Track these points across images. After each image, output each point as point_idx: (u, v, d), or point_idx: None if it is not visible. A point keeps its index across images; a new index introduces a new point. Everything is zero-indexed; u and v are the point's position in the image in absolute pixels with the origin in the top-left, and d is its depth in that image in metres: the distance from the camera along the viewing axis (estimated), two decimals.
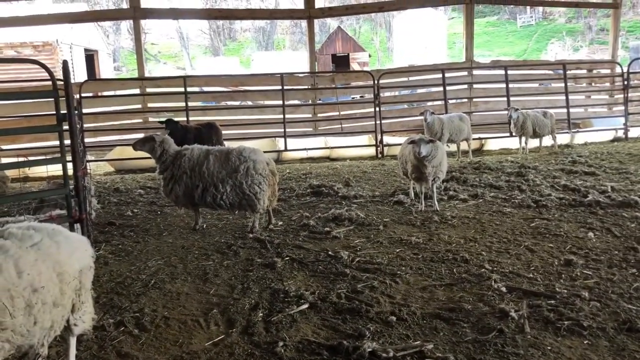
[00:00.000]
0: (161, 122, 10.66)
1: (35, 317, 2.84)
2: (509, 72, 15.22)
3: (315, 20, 17.82)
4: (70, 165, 6.06)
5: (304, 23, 19.44)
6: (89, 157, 12.15)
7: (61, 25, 25.14)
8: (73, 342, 3.45)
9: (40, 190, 8.36)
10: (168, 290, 4.89)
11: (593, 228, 6.37)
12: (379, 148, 13.83)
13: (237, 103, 17.85)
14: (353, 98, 19.69)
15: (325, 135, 15.19)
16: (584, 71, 19.30)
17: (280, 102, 14.13)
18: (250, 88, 17.27)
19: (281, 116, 14.03)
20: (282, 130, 13.81)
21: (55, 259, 3.03)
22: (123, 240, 6.61)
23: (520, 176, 9.56)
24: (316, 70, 18.31)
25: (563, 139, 14.31)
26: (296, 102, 17.66)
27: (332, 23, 60.03)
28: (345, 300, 4.51)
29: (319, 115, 16.77)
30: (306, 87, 16.93)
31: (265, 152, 7.36)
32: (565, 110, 15.02)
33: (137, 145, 7.02)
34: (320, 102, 17.57)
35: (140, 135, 14.68)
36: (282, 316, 4.21)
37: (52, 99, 5.96)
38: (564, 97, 15.26)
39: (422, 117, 11.67)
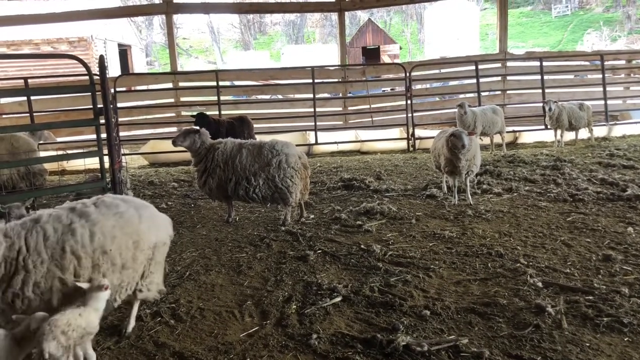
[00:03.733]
0: (192, 117, 10.77)
1: (104, 275, 3.36)
2: (544, 63, 14.89)
3: (346, 13, 17.77)
4: (106, 159, 6.20)
5: (334, 16, 19.39)
6: (123, 151, 12.37)
7: (95, 21, 25.58)
8: (135, 305, 3.99)
9: (77, 183, 8.55)
10: (203, 281, 4.96)
11: (632, 223, 6.21)
12: (410, 141, 13.72)
13: (267, 97, 17.94)
14: (384, 91, 19.59)
15: (356, 129, 15.14)
16: (623, 62, 18.77)
17: (311, 96, 14.12)
18: (281, 82, 17.32)
19: (312, 109, 14.02)
20: (313, 123, 13.81)
21: (134, 228, 3.53)
22: None
23: (556, 169, 9.37)
24: (346, 63, 18.27)
25: (600, 131, 13.96)
26: (327, 95, 17.66)
27: (363, 15, 59.72)
28: (379, 293, 4.50)
29: (349, 108, 16.76)
30: (337, 80, 16.90)
31: (297, 145, 7.37)
32: (602, 102, 14.64)
33: (178, 139, 6.84)
34: (350, 95, 17.52)
35: (174, 129, 14.94)
36: (315, 309, 4.23)
37: (89, 94, 6.10)
38: (601, 89, 14.87)
39: (455, 110, 11.52)
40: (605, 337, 3.67)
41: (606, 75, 15.22)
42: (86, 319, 3.14)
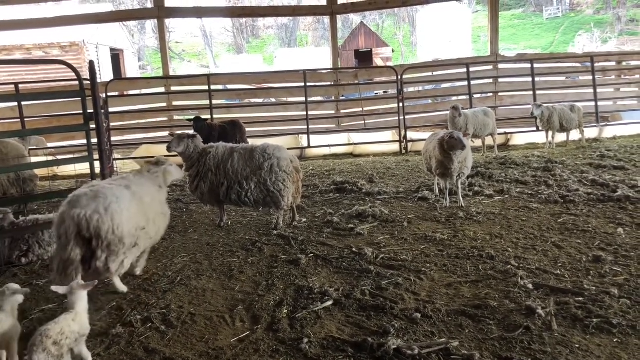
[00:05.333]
0: (189, 120, 10.74)
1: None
2: (535, 65, 14.97)
3: (338, 16, 17.81)
4: (97, 164, 6.18)
5: (326, 19, 19.41)
6: (115, 156, 12.33)
7: (87, 25, 25.54)
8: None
9: (68, 189, 8.52)
10: (194, 286, 4.94)
11: (623, 224, 6.24)
12: (402, 144, 13.75)
13: (260, 100, 17.94)
14: (376, 94, 19.63)
15: (349, 132, 15.17)
16: (613, 63, 18.90)
17: (304, 99, 14.14)
18: (274, 85, 17.33)
19: (304, 113, 14.04)
20: (305, 127, 13.82)
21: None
22: None
23: (547, 171, 9.41)
24: (339, 67, 18.31)
25: (591, 132, 14.04)
26: (319, 98, 17.68)
27: (355, 18, 59.82)
28: (370, 297, 4.50)
29: (342, 111, 16.78)
30: (329, 83, 16.92)
31: (288, 149, 7.37)
32: (593, 103, 14.73)
33: (172, 145, 6.80)
34: (343, 98, 17.55)
35: (166, 133, 14.91)
36: (306, 313, 4.23)
37: (80, 99, 6.08)
38: (592, 90, 14.97)
39: (448, 112, 11.57)
40: (595, 338, 3.69)
41: (597, 76, 15.32)
42: (79, 322, 3.31)
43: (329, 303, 4.39)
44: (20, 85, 12.10)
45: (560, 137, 13.15)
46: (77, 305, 3.39)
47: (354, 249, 5.74)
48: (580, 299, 4.25)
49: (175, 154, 6.94)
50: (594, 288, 4.44)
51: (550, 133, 12.66)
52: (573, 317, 3.96)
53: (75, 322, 3.26)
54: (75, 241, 4.13)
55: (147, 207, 4.68)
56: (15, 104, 12.62)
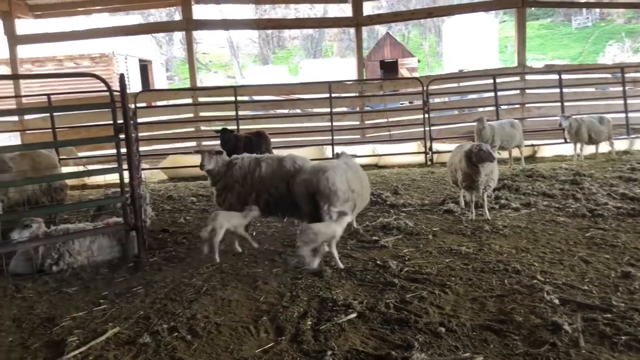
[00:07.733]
0: (216, 132, 10.85)
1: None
2: (564, 76, 14.81)
3: (363, 27, 17.87)
4: (126, 174, 6.30)
5: (352, 30, 19.48)
6: (143, 166, 12.53)
7: (117, 37, 26.06)
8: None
9: (98, 198, 8.69)
10: (219, 296, 5.00)
11: None
12: (428, 155, 13.70)
13: (285, 111, 18.09)
14: (402, 104, 19.61)
15: (373, 143, 15.16)
16: None
17: (328, 110, 14.19)
18: (299, 96, 17.46)
19: (329, 124, 14.11)
20: (330, 137, 13.87)
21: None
22: (176, 247, 6.79)
23: (575, 184, 9.28)
24: (364, 78, 18.36)
25: (621, 144, 13.79)
26: (344, 109, 17.72)
27: (381, 29, 59.88)
28: (394, 310, 4.49)
29: (366, 122, 16.79)
30: (354, 94, 16.97)
31: (312, 159, 7.41)
32: (624, 115, 14.50)
33: (205, 162, 6.73)
34: (368, 109, 17.58)
35: (193, 144, 15.11)
36: (330, 325, 4.24)
37: (109, 110, 6.23)
38: (622, 102, 14.72)
39: (474, 123, 11.51)
40: (623, 356, 3.62)
41: (627, 87, 15.07)
42: (332, 232, 5.45)
43: (353, 315, 4.40)
44: (52, 96, 12.39)
45: (589, 149, 12.95)
46: (337, 224, 5.47)
47: (378, 262, 5.74)
48: (609, 315, 4.18)
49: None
50: (623, 305, 4.36)
51: (578, 145, 12.48)
52: (601, 333, 3.90)
53: (329, 230, 5.38)
54: (306, 199, 5.90)
55: (354, 177, 6.15)
56: (47, 114, 12.93)
